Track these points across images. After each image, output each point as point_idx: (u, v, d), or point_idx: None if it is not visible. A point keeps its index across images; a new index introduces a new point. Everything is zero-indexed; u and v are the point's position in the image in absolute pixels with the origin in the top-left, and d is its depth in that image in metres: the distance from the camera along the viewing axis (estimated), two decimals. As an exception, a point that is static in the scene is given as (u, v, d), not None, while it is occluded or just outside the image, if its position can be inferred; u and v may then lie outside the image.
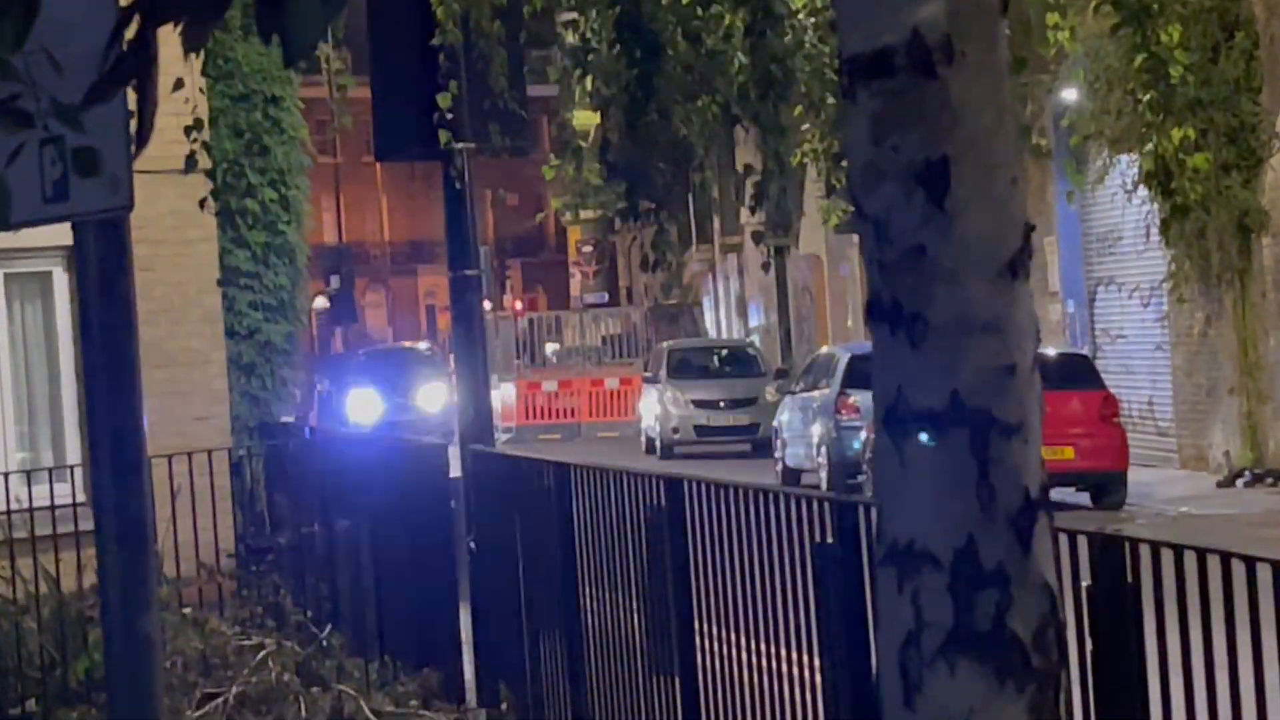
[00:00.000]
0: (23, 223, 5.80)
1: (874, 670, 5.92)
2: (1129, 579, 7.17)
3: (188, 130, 15.19)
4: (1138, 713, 7.20)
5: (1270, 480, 32.24)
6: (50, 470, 18.48)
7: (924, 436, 4.81)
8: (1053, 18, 18.46)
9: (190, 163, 14.85)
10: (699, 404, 45.90)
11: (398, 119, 16.97)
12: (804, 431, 35.31)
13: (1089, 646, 7.15)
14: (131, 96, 4.66)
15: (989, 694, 4.83)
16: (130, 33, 3.32)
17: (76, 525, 16.18)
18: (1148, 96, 31.33)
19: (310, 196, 25.84)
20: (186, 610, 15.09)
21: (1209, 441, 34.55)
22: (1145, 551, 7.17)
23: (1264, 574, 6.60)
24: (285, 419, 24.18)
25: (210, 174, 16.43)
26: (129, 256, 6.05)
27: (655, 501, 12.02)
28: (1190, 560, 7.02)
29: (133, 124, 5.79)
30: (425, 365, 55.62)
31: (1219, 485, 32.61)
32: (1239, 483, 32.42)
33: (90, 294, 6.06)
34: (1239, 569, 6.75)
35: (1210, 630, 6.88)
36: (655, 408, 46.75)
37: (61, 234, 6.86)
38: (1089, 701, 7.22)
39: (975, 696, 4.82)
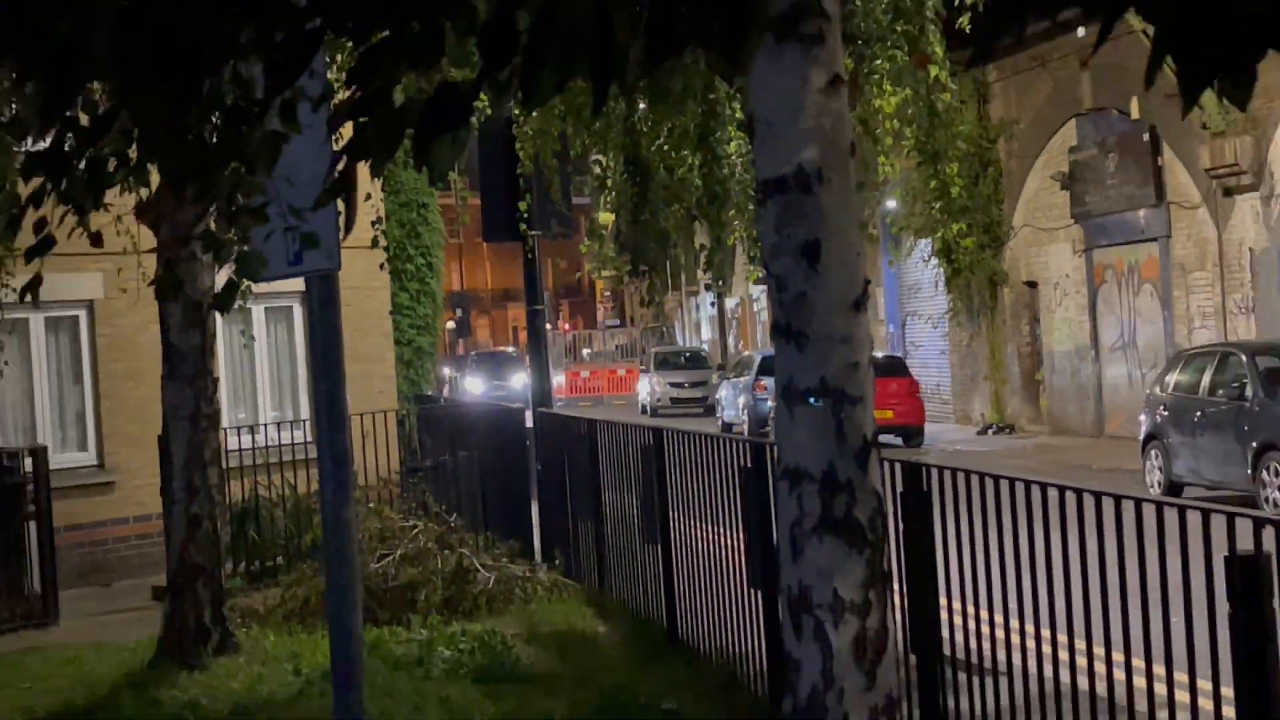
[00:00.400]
0: (276, 277, 5.78)
1: (775, 541, 5.95)
2: (925, 487, 7.18)
3: (373, 223, 15.23)
4: (930, 568, 7.20)
5: (1007, 430, 32.46)
6: (291, 422, 18.49)
7: (812, 399, 4.80)
8: (882, 159, 18.38)
9: (375, 242, 14.89)
10: (672, 384, 46.27)
11: (496, 217, 17.03)
12: (734, 401, 35.41)
13: (901, 527, 7.15)
14: (339, 203, 4.67)
15: (842, 555, 4.82)
16: (340, 166, 3.31)
17: (307, 454, 16.21)
18: (938, 205, 31.46)
19: (444, 262, 25.85)
20: (371, 505, 15.05)
21: (972, 408, 34.65)
22: (935, 472, 7.19)
23: (1004, 486, 6.63)
24: (429, 393, 24.20)
25: (385, 249, 16.50)
26: (337, 297, 6.03)
27: (647, 441, 12.01)
28: (960, 477, 7.03)
29: (340, 219, 5.80)
30: (513, 362, 55.53)
31: (978, 434, 32.78)
32: (989, 432, 32.64)
33: (314, 319, 6.04)
34: (989, 482, 6.77)
35: (972, 517, 6.89)
36: (646, 387, 47.04)
37: (298, 284, 6.83)
38: (901, 561, 7.21)
39: (835, 557, 4.82)
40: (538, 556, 15.10)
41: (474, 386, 48.43)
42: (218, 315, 13.03)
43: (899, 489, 7.22)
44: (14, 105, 8.94)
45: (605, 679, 10.50)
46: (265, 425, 18.54)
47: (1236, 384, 19.21)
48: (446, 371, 53.16)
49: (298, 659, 11.64)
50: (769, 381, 30.77)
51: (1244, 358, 19.50)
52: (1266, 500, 17.71)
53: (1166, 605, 5.62)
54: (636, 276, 21.74)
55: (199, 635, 11.95)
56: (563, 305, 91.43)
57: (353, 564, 5.88)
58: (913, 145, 24.97)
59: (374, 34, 2.81)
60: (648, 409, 45.20)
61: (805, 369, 4.88)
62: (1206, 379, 19.90)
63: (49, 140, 3.86)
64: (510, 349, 67.14)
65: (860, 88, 16.92)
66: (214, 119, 3.89)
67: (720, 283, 21.93)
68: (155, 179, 7.67)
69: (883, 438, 9.06)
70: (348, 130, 3.12)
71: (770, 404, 30.52)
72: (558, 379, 50.22)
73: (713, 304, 54.02)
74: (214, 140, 3.92)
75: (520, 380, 49.78)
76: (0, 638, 14.04)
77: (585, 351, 66.80)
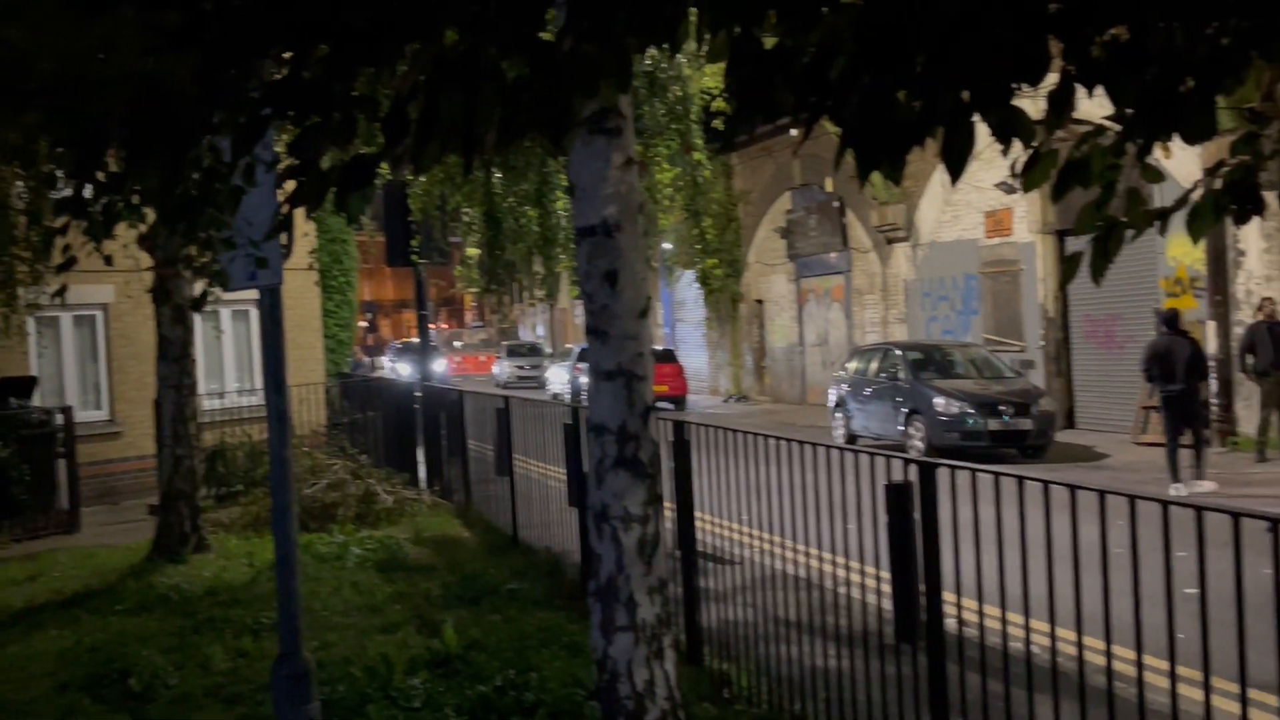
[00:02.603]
0: (239, 289, 5.64)
1: (585, 473, 5.98)
2: (686, 438, 7.23)
3: (310, 253, 14.96)
4: (689, 492, 7.25)
5: (743, 399, 32.77)
6: (248, 390, 18.15)
7: (607, 380, 4.82)
8: (660, 216, 18.50)
9: (312, 266, 14.60)
10: (518, 367, 45.86)
11: (396, 248, 16.76)
12: (560, 378, 35.26)
13: (672, 464, 7.20)
14: (284, 236, 4.57)
15: (631, 483, 4.85)
16: (283, 211, 3.25)
17: (261, 413, 15.86)
18: (698, 247, 31.70)
19: (358, 279, 25.39)
20: (305, 449, 14.78)
21: (719, 384, 34.96)
22: (693, 427, 7.24)
23: (739, 437, 6.69)
24: (345, 372, 23.74)
25: (319, 269, 16.25)
26: (281, 303, 5.89)
27: (499, 406, 11.94)
28: (710, 430, 7.09)
29: (283, 248, 5.67)
30: (429, 349, 53.77)
31: (723, 402, 33.04)
32: (731, 401, 32.91)
33: (265, 319, 5.88)
34: (726, 432, 6.83)
35: (717, 458, 6.96)
36: (501, 369, 46.59)
37: (254, 293, 6.65)
38: (671, 487, 7.26)
39: (625, 484, 4.84)
40: (422, 485, 14.93)
41: (403, 369, 46.82)
42: (196, 314, 12.72)
43: (670, 438, 7.27)
44: (50, 166, 8.63)
45: (468, 567, 10.44)
46: (230, 392, 18.23)
47: (893, 369, 19.70)
48: (383, 359, 52.02)
49: (252, 556, 11.45)
50: (584, 365, 30.92)
51: (898, 352, 20.01)
52: (911, 447, 18.18)
53: (845, 515, 5.74)
54: (491, 292, 21.67)
55: (181, 539, 11.78)
56: (442, 311, 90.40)
57: (291, 490, 5.76)
58: (682, 206, 25.27)
59: (308, 120, 2.76)
60: (500, 383, 44.85)
61: (607, 357, 4.89)
62: (874, 366, 20.37)
63: (74, 189, 3.76)
64: (414, 341, 65.52)
65: (646, 166, 17.02)
66: (194, 177, 3.82)
67: (551, 297, 21.88)
68: (150, 216, 7.46)
69: (659, 404, 9.19)
70: (290, 186, 3.06)
71: (584, 380, 30.65)
72: (443, 362, 49.89)
73: (547, 310, 53.98)
74: (195, 192, 3.84)
75: (441, 364, 49.00)
76: (39, 541, 13.82)
77: (458, 344, 65.79)
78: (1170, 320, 14.26)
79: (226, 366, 19.29)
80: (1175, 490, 13.68)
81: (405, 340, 61.73)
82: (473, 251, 27.99)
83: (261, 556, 11.18)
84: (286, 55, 2.81)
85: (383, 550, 11.33)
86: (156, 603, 9.78)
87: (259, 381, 18.87)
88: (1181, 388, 13.99)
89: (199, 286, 6.36)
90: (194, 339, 12.34)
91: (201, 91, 2.78)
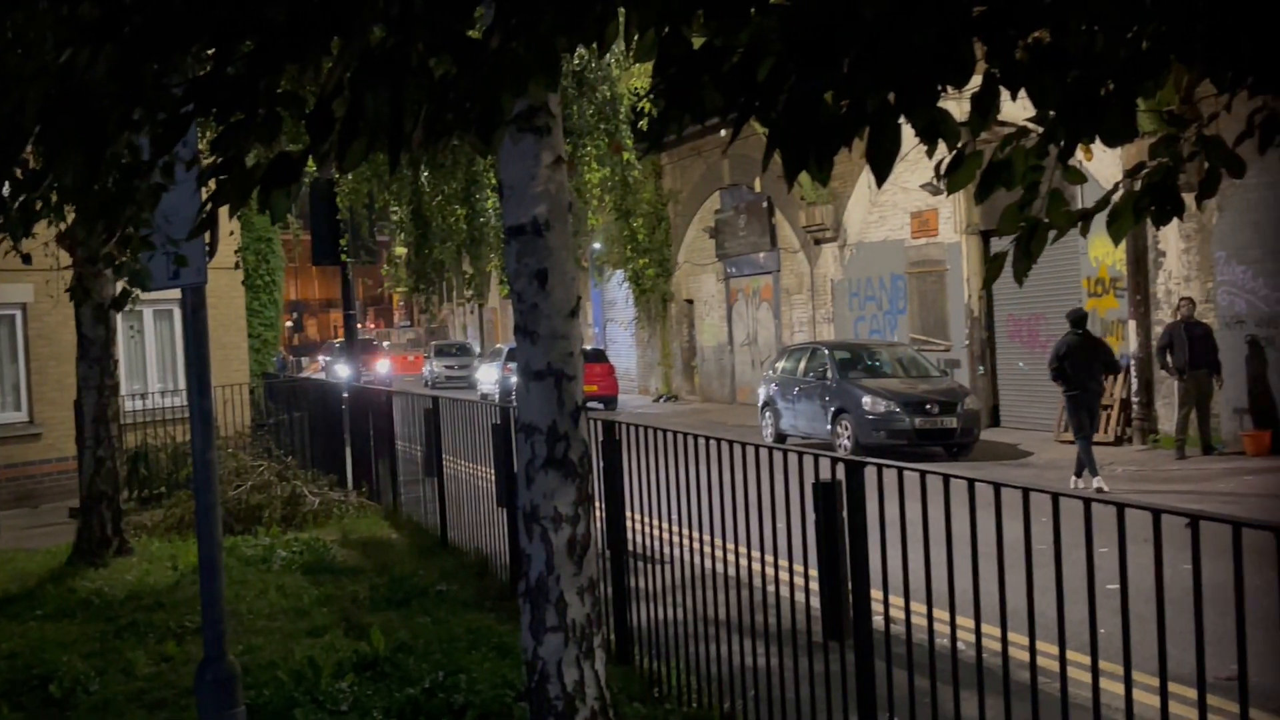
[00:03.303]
0: (159, 287, 5.54)
1: (515, 473, 5.93)
2: (616, 437, 7.22)
3: (236, 251, 14.73)
4: (620, 491, 7.24)
5: (673, 399, 32.87)
6: (171, 391, 17.89)
7: (537, 380, 4.80)
8: (590, 215, 18.50)
9: (237, 264, 14.40)
10: (446, 366, 45.43)
11: (322, 247, 16.57)
12: (489, 378, 34.99)
13: (601, 464, 7.19)
14: (207, 234, 4.49)
15: (562, 483, 4.83)
16: (206, 209, 3.20)
17: (183, 414, 15.62)
18: (629, 246, 31.71)
19: (284, 278, 25.03)
20: (229, 450, 14.57)
21: (650, 384, 35.02)
22: (623, 427, 7.22)
23: (669, 436, 6.68)
24: (270, 372, 23.42)
25: (245, 269, 16.05)
26: (204, 302, 5.79)
27: (428, 406, 11.85)
28: (641, 430, 7.08)
29: (206, 247, 5.58)
30: (370, 348, 52.72)
31: (653, 401, 33.14)
32: (661, 400, 32.99)
33: (188, 318, 5.78)
34: (657, 432, 6.83)
35: (648, 457, 6.95)
36: (429, 369, 46.15)
37: (176, 292, 6.54)
38: (601, 486, 7.24)
39: (555, 484, 4.82)
40: (349, 486, 14.79)
41: (343, 371, 46.02)
42: (118, 314, 12.52)
43: (600, 438, 7.26)
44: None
45: (396, 569, 10.36)
46: (153, 393, 17.97)
47: (821, 368, 19.85)
48: (320, 358, 51.03)
49: (175, 559, 11.27)
50: (514, 365, 30.74)
51: (826, 351, 20.16)
52: (839, 446, 18.34)
53: (774, 513, 5.77)
54: (419, 292, 21.51)
55: (103, 543, 11.58)
56: (370, 311, 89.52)
57: (215, 492, 5.67)
58: (611, 206, 25.28)
59: (231, 116, 2.72)
60: (429, 383, 44.47)
61: (537, 357, 4.88)
62: (802, 365, 20.52)
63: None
64: (370, 337, 64.48)
65: (575, 165, 17.00)
66: (114, 174, 3.75)
67: (479, 296, 21.77)
68: (70, 214, 7.32)
69: (589, 404, 9.21)
70: (213, 184, 3.01)
71: (514, 380, 30.42)
72: (387, 363, 49.36)
73: (475, 310, 53.65)
74: (114, 189, 3.76)
75: (384, 365, 48.29)
76: (-49, 547, 13.39)
77: (385, 344, 65.04)
78: (1077, 320, 14.66)
79: (149, 367, 19.01)
80: (1096, 484, 13.96)
81: (343, 340, 60.68)
82: (400, 250, 27.80)
83: (185, 559, 11.01)
84: (209, 51, 2.76)
85: (309, 553, 11.20)
86: (77, 607, 9.60)
87: (182, 382, 18.60)
88: (1088, 386, 14.43)
89: (120, 285, 6.25)
90: (116, 339, 12.13)
91: (120, 87, 2.73)
